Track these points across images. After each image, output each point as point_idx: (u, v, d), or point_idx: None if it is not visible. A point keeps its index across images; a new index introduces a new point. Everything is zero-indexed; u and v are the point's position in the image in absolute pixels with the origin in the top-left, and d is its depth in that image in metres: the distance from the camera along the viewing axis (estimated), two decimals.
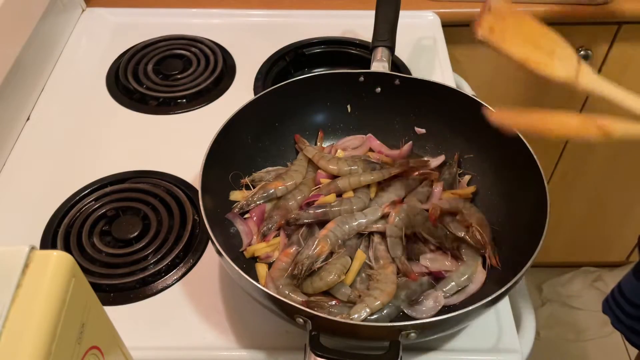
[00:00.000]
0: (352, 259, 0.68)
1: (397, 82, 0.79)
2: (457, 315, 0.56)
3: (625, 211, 1.56)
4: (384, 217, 0.71)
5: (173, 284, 0.70)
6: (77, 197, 0.78)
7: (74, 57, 1.01)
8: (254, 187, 0.74)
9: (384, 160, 0.78)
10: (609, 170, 1.48)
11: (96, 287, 0.59)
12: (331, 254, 0.67)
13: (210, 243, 0.66)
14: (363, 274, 0.68)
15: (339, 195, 0.75)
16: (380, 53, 0.82)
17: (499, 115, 0.56)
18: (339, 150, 0.80)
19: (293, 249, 0.68)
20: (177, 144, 0.87)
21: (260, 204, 0.73)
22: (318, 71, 0.97)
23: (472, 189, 0.76)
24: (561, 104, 1.29)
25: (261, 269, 0.68)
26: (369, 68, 0.81)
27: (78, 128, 0.90)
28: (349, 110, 0.82)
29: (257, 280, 0.66)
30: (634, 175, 1.50)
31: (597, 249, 1.70)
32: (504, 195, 0.73)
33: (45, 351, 0.34)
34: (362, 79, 0.80)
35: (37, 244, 0.74)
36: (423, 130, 0.81)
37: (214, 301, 0.69)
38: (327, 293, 0.66)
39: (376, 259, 0.69)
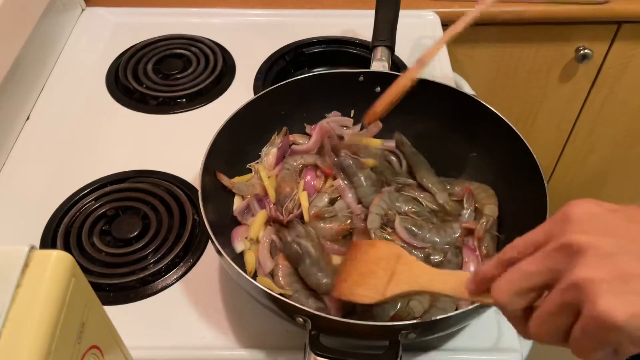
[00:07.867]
0: None
1: None
2: (457, 314, 0.56)
3: None
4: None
5: (173, 284, 0.70)
6: (77, 197, 0.78)
7: (73, 57, 1.01)
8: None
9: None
10: (609, 170, 1.48)
11: (96, 287, 0.59)
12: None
13: (210, 243, 0.66)
14: None
15: None
16: (380, 52, 0.82)
17: None
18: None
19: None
20: (177, 144, 0.87)
21: None
22: (318, 71, 0.97)
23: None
24: (561, 103, 1.29)
25: (249, 256, 0.69)
26: (368, 68, 0.81)
27: (78, 127, 0.90)
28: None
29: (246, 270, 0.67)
30: (632, 176, 1.50)
31: None
32: (504, 195, 0.73)
33: (45, 351, 0.34)
34: (362, 78, 0.80)
35: (37, 243, 0.74)
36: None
37: (213, 301, 0.69)
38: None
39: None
